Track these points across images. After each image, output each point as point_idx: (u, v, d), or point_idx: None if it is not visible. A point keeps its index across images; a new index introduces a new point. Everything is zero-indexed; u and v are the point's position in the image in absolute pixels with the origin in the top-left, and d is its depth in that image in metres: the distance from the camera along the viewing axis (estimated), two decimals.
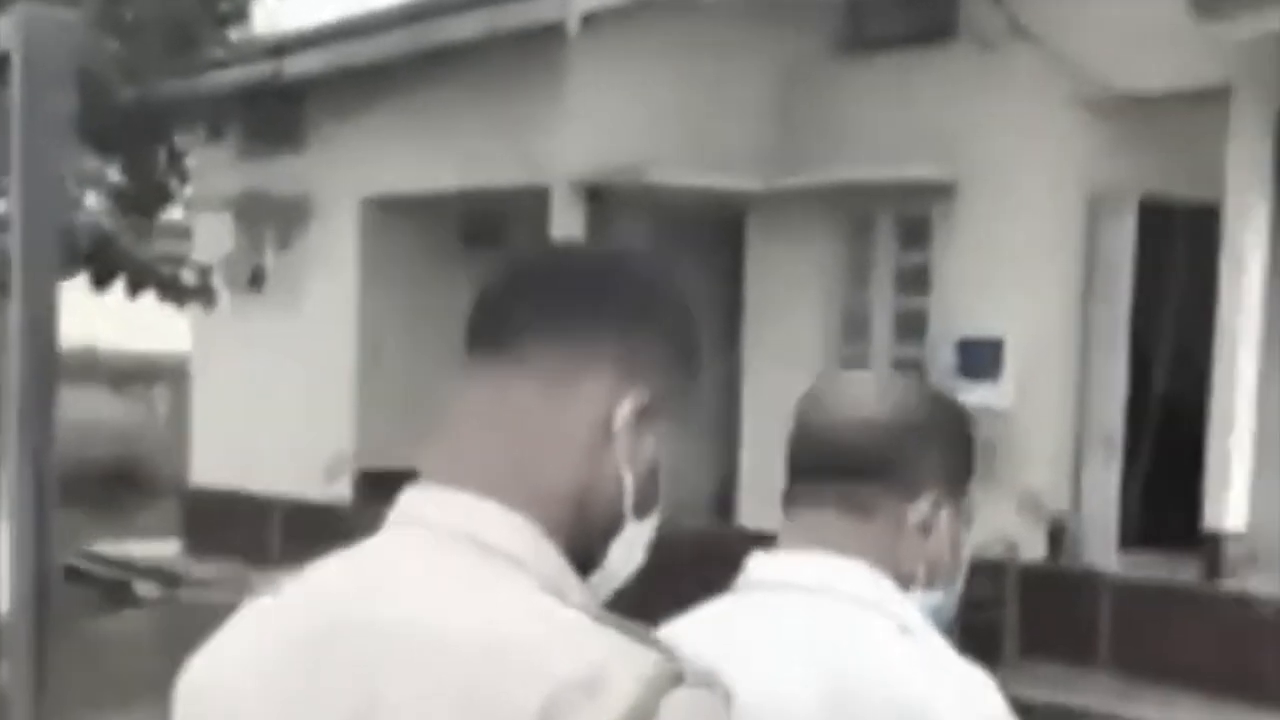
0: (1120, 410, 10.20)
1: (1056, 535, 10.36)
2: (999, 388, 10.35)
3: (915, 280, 11.12)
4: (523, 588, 1.32)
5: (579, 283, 1.42)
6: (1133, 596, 9.81)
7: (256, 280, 13.57)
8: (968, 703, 1.74)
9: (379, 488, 12.81)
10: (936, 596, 1.87)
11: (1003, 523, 10.19)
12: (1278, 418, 10.06)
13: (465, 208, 13.00)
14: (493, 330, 1.40)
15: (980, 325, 10.46)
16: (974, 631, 9.89)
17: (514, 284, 1.42)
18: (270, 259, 13.84)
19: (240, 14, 14.12)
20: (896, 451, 1.84)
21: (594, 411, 1.37)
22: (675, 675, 1.25)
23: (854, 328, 11.41)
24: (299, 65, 12.70)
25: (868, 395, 1.89)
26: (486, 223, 13.14)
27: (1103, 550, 10.24)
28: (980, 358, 10.38)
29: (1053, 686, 9.45)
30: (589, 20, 10.62)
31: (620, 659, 1.26)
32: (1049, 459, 10.38)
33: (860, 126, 11.05)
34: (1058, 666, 9.78)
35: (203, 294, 11.17)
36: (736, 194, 11.45)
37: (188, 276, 11.05)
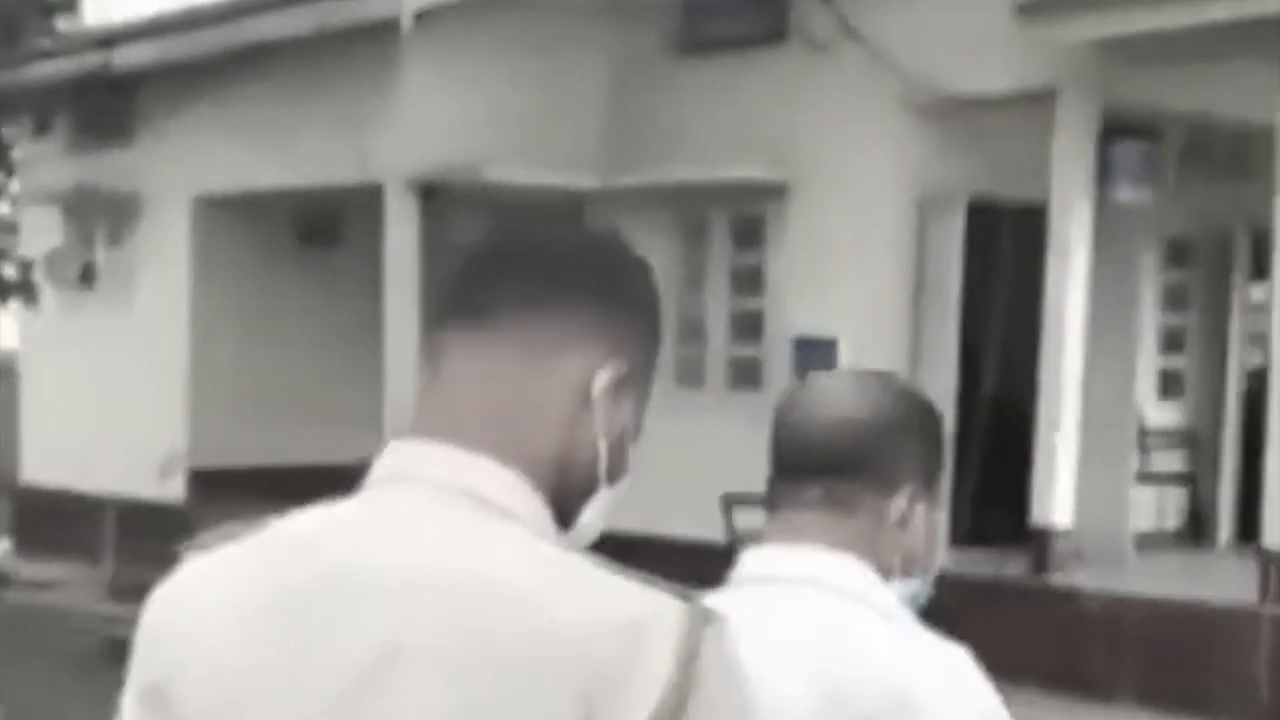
0: (952, 410, 10.29)
1: None
2: None
3: (750, 280, 11.19)
4: (526, 538, 1.37)
5: (562, 257, 1.48)
6: (963, 592, 9.89)
7: (87, 276, 13.31)
8: (952, 683, 1.85)
9: (212, 487, 12.72)
10: (914, 584, 1.98)
11: None
12: (1102, 414, 10.27)
13: (300, 205, 12.84)
14: (479, 301, 1.45)
15: (815, 324, 10.54)
16: None
17: (498, 257, 1.49)
18: (101, 255, 13.56)
19: (69, 4, 13.82)
20: (875, 450, 1.94)
21: (574, 380, 1.43)
22: (705, 613, 1.33)
23: (690, 328, 11.44)
24: (129, 57, 12.44)
25: (845, 396, 1.99)
26: (322, 221, 13.01)
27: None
28: (815, 357, 10.44)
29: None
30: (422, 16, 10.53)
31: (650, 603, 1.32)
32: None
33: (695, 126, 11.08)
34: None
35: (24, 290, 10.92)
36: (572, 192, 11.42)
37: (9, 272, 10.80)
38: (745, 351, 10.99)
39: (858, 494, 1.93)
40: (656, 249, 11.37)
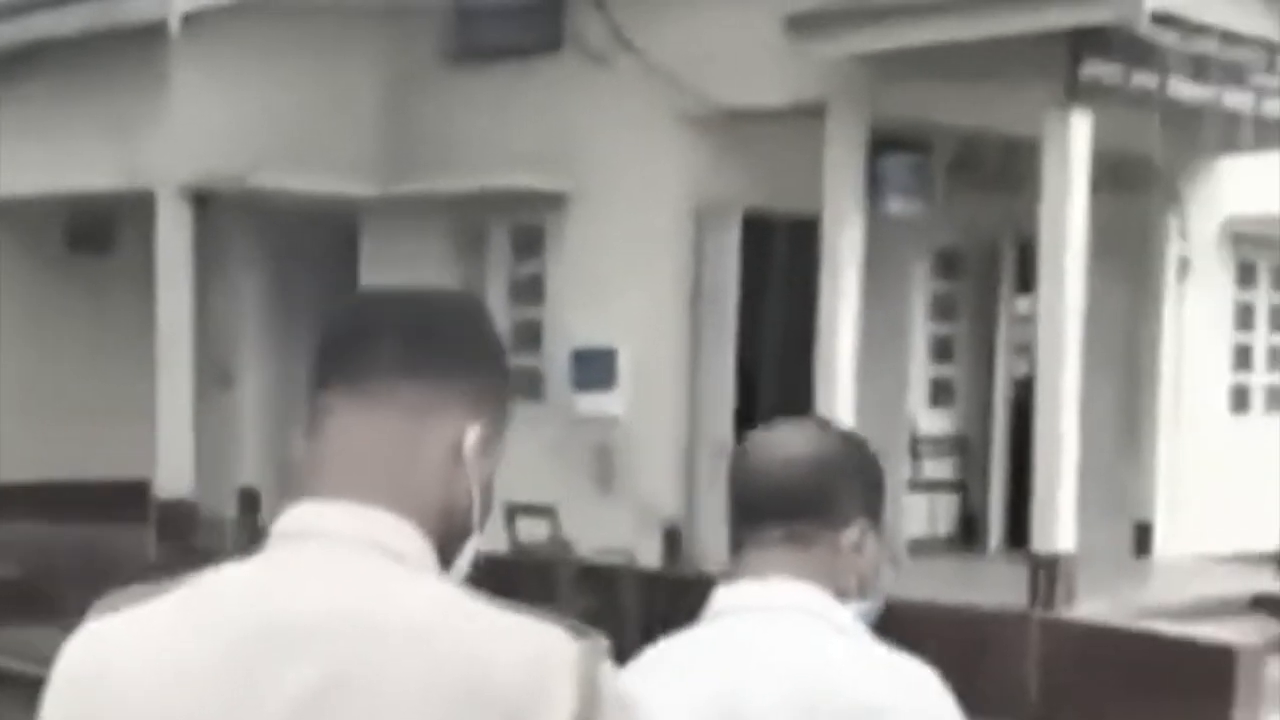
0: (730, 417, 10.40)
1: (672, 542, 10.51)
2: (614, 397, 10.46)
3: (530, 290, 11.15)
4: (428, 581, 1.51)
5: (432, 328, 1.61)
6: None
7: None
8: (913, 691, 2.08)
9: None
10: (867, 604, 2.22)
11: (620, 530, 10.31)
12: (875, 422, 10.42)
13: (71, 212, 12.47)
14: (360, 367, 1.57)
15: (594, 335, 10.55)
16: None
17: (374, 325, 1.60)
18: None
19: None
20: (827, 490, 2.19)
21: (448, 438, 1.56)
22: (598, 648, 1.47)
23: None
24: None
25: (795, 444, 2.22)
26: (93, 227, 12.64)
27: (716, 556, 10.41)
28: (595, 368, 10.46)
29: None
30: (191, 19, 10.30)
31: (551, 638, 1.46)
32: (664, 467, 10.53)
33: (473, 134, 11.01)
34: None
35: None
36: (348, 199, 11.27)
37: None
38: (526, 362, 10.95)
39: (815, 530, 2.17)
40: (434, 258, 11.29)
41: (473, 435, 1.57)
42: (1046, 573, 9.10)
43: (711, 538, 10.45)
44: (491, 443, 1.61)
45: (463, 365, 1.60)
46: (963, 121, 9.95)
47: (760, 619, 2.13)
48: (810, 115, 9.55)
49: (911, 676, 2.10)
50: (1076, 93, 8.90)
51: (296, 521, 1.52)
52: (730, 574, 2.19)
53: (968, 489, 12.06)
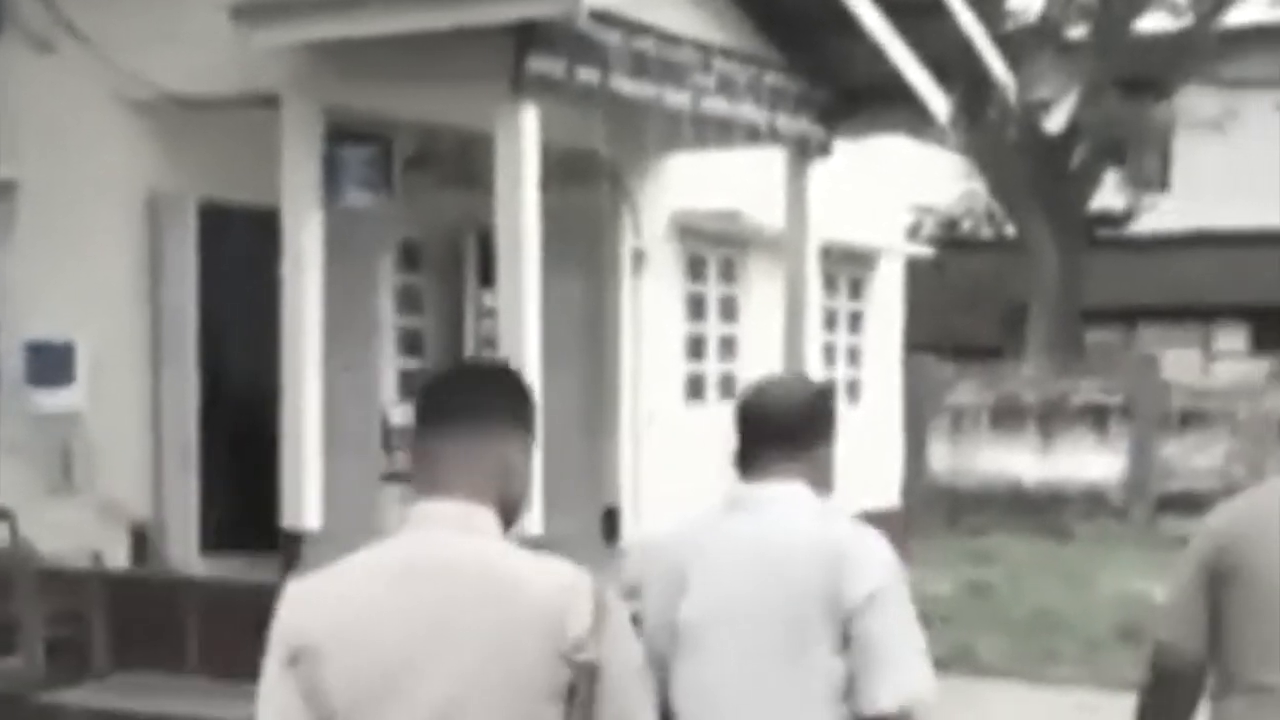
0: (194, 413, 10.24)
1: (140, 542, 10.28)
2: (73, 393, 10.16)
3: None
4: (498, 542, 2.63)
5: (487, 388, 2.75)
6: (218, 600, 9.89)
7: None
8: (867, 544, 3.35)
9: None
10: (830, 497, 3.51)
11: (85, 531, 10.02)
12: (347, 416, 10.50)
13: None
14: (447, 415, 2.69)
15: (51, 328, 10.21)
16: (61, 646, 9.75)
17: (452, 387, 2.77)
18: None
19: None
20: (808, 420, 3.52)
21: (504, 456, 2.69)
22: (602, 580, 2.57)
23: None
24: None
25: (785, 389, 3.59)
26: None
27: (185, 555, 10.26)
28: (51, 362, 10.13)
29: (148, 695, 9.38)
30: None
31: (573, 573, 2.56)
32: (129, 465, 10.28)
33: None
34: (151, 675, 9.69)
35: None
36: None
37: None
38: None
39: (801, 448, 3.47)
40: None
41: (515, 453, 2.71)
42: None
43: (182, 536, 10.28)
44: (526, 456, 2.73)
45: (509, 409, 2.73)
46: (419, 114, 10.10)
47: (772, 502, 3.44)
48: (265, 105, 9.53)
49: (863, 533, 3.36)
50: (523, 87, 9.08)
51: (420, 512, 2.67)
52: (744, 480, 3.49)
53: None
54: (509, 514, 2.67)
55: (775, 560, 3.32)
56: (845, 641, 3.21)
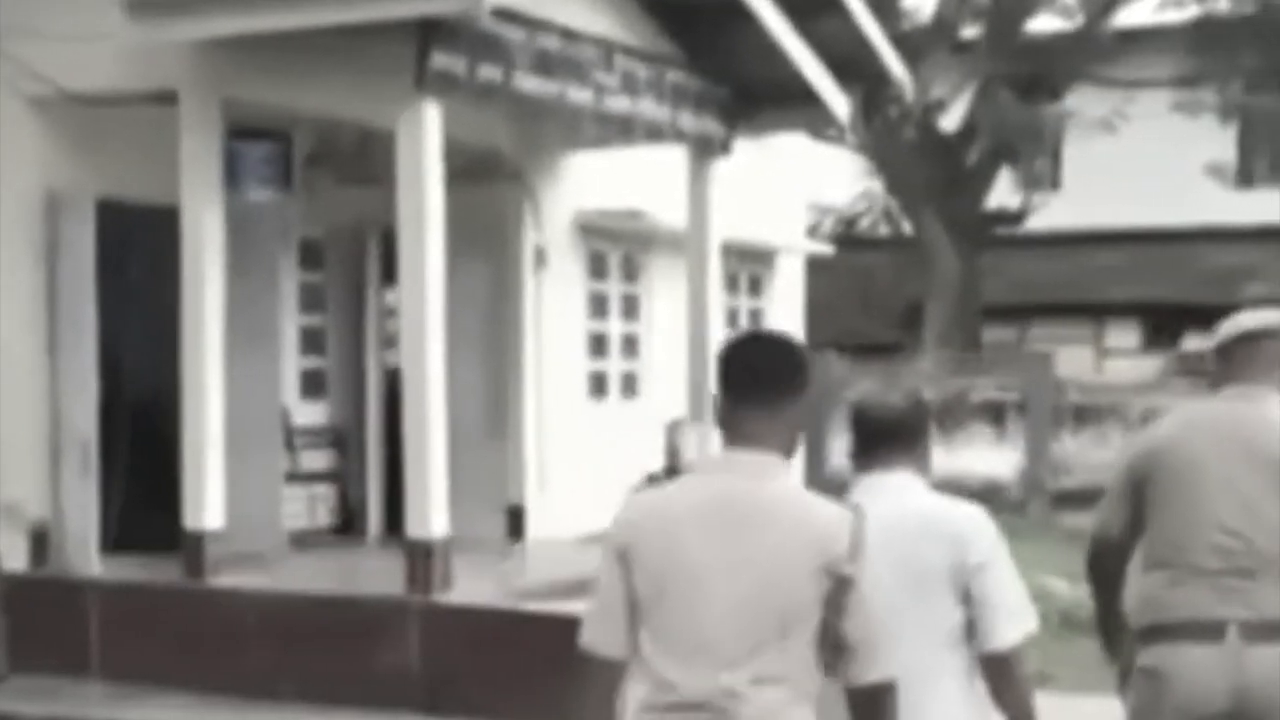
0: (94, 413, 10.13)
1: (39, 544, 10.16)
2: None
3: None
4: (786, 481, 3.38)
5: (777, 358, 3.43)
6: (118, 602, 9.79)
7: None
8: (969, 519, 4.06)
9: None
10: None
11: None
12: (249, 415, 10.43)
13: None
14: (745, 383, 3.39)
15: None
16: None
17: (751, 359, 3.43)
18: None
19: None
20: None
21: (793, 416, 3.41)
22: (861, 513, 3.32)
23: None
24: None
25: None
26: None
27: (85, 557, 10.13)
28: None
29: (48, 699, 9.27)
30: None
31: (839, 507, 3.34)
32: (27, 465, 10.14)
33: None
34: (51, 678, 9.58)
35: None
36: None
37: None
38: None
39: (910, 449, 4.10)
40: None
41: (796, 413, 3.42)
42: (422, 559, 9.19)
43: (81, 537, 10.16)
44: (802, 414, 3.41)
45: (792, 379, 3.41)
46: (321, 111, 10.05)
47: (887, 490, 4.02)
48: (164, 101, 9.45)
49: (967, 509, 4.06)
50: (425, 84, 9.08)
51: (728, 458, 3.39)
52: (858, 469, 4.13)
53: (346, 479, 12.20)
54: (788, 459, 3.42)
55: (907, 533, 3.95)
56: (965, 597, 3.97)
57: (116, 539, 10.43)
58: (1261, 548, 4.63)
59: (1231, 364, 4.84)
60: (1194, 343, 26.84)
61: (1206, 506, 4.69)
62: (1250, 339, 4.82)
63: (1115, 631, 5.01)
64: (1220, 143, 25.46)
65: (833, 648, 3.27)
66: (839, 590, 3.23)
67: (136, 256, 10.42)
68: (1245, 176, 27.06)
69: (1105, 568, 4.97)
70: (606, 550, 3.37)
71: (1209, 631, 4.62)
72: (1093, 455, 20.84)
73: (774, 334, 3.57)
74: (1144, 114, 24.07)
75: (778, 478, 3.35)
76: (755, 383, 3.37)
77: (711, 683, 3.22)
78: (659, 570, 3.29)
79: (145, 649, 9.55)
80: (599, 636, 3.38)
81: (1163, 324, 27.12)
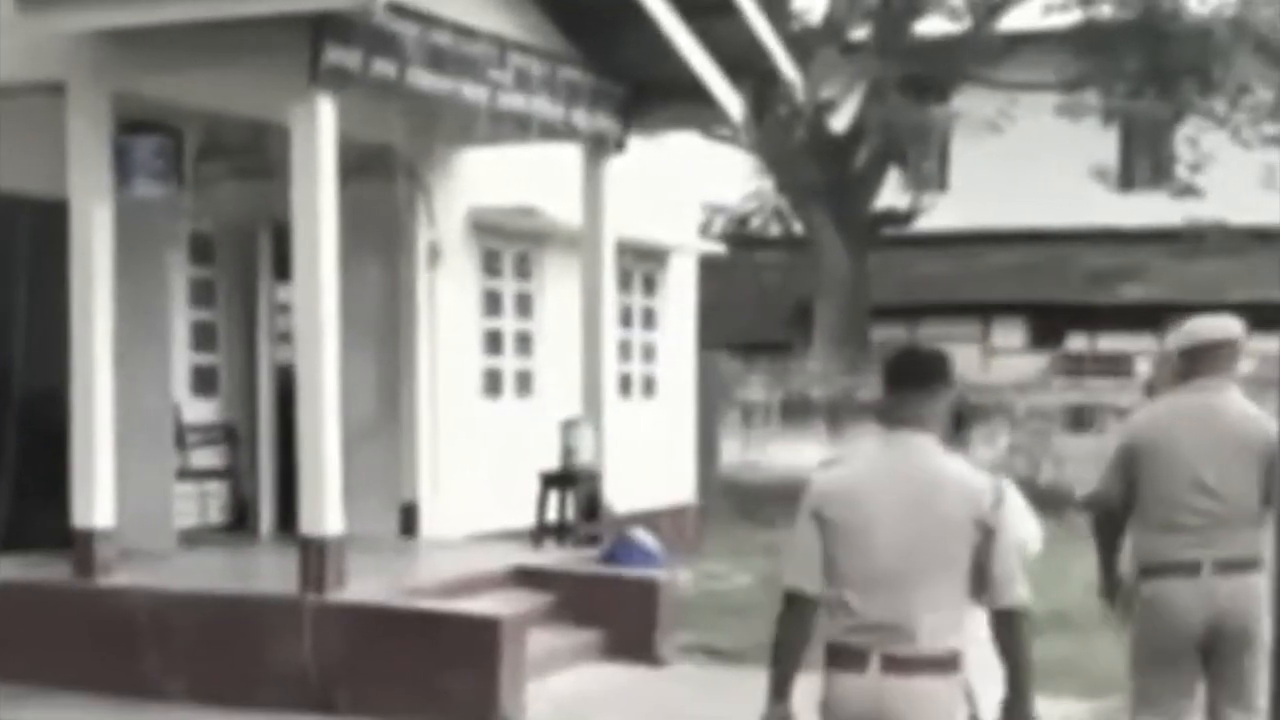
0: None
1: None
2: None
3: None
4: (947, 456, 4.46)
5: (926, 358, 4.59)
6: (7, 601, 9.65)
7: None
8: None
9: None
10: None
11: None
12: (140, 412, 10.33)
13: None
14: (906, 377, 4.48)
15: None
16: None
17: (906, 362, 4.57)
18: None
19: None
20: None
21: (938, 405, 4.48)
22: (1002, 479, 4.70)
23: None
24: None
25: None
26: None
27: None
28: None
29: None
30: None
31: (986, 474, 4.51)
32: None
33: None
34: None
35: None
36: None
37: None
38: None
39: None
40: None
41: (941, 403, 4.45)
42: (316, 556, 9.12)
43: None
44: (944, 404, 4.47)
45: (938, 378, 4.47)
46: (213, 105, 9.95)
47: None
48: (52, 93, 9.33)
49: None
50: (319, 79, 9.01)
51: (896, 437, 4.44)
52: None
53: (238, 476, 12.10)
54: (939, 438, 4.46)
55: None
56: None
57: (5, 538, 10.28)
58: (1232, 504, 6.05)
59: (1197, 364, 6.16)
60: (1076, 343, 27.35)
61: (1188, 474, 6.08)
62: (1213, 346, 6.15)
63: (1112, 578, 6.37)
64: (1104, 146, 25.89)
65: (979, 580, 4.33)
66: (986, 538, 4.32)
67: (24, 251, 10.27)
68: (1127, 179, 27.56)
69: (1108, 527, 6.34)
70: (803, 513, 4.42)
71: (1190, 569, 6.05)
72: (980, 452, 21.13)
73: (927, 346, 4.75)
74: (1030, 116, 24.44)
75: (937, 453, 4.41)
76: (916, 381, 4.45)
77: (890, 609, 4.27)
78: (848, 525, 4.34)
79: (34, 649, 9.43)
80: (800, 579, 4.39)
81: (1047, 323, 27.55)
